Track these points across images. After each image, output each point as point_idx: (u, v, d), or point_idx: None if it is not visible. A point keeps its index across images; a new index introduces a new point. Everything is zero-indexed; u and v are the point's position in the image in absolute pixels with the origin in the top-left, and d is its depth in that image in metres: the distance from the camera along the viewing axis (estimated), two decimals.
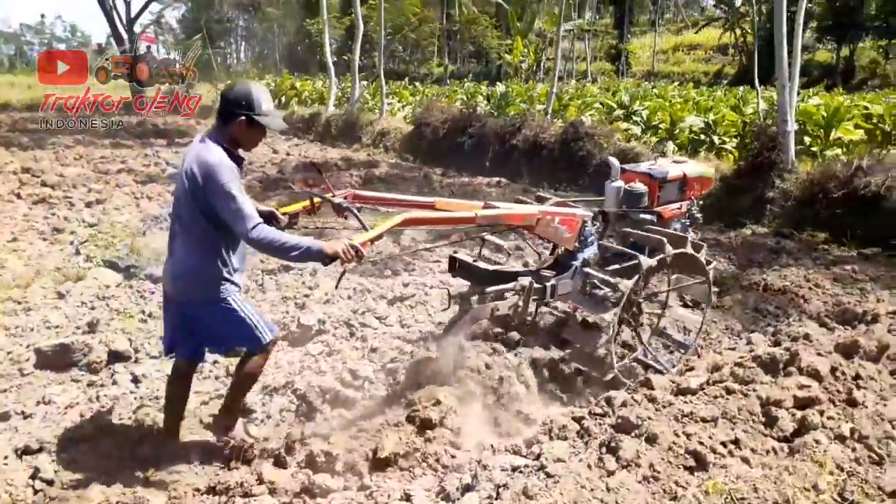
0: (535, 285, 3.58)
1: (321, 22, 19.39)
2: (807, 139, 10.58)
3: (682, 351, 4.48)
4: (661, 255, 3.75)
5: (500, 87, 16.93)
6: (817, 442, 2.75)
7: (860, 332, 4.44)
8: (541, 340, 4.47)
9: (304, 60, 43.00)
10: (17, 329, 4.88)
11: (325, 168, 12.54)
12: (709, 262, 4.35)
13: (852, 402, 3.16)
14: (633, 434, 2.90)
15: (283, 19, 45.39)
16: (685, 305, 5.47)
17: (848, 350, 3.71)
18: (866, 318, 5.28)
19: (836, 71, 34.36)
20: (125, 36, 23.38)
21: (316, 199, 3.28)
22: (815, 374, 3.29)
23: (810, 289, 6.19)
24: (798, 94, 9.43)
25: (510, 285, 3.52)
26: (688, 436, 2.81)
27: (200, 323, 3.11)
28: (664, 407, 3.18)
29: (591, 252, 3.94)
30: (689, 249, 3.90)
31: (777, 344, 4.57)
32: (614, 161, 4.22)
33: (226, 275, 3.02)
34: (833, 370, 3.38)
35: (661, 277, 4.54)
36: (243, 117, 2.86)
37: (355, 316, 5.25)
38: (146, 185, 10.46)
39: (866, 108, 10.84)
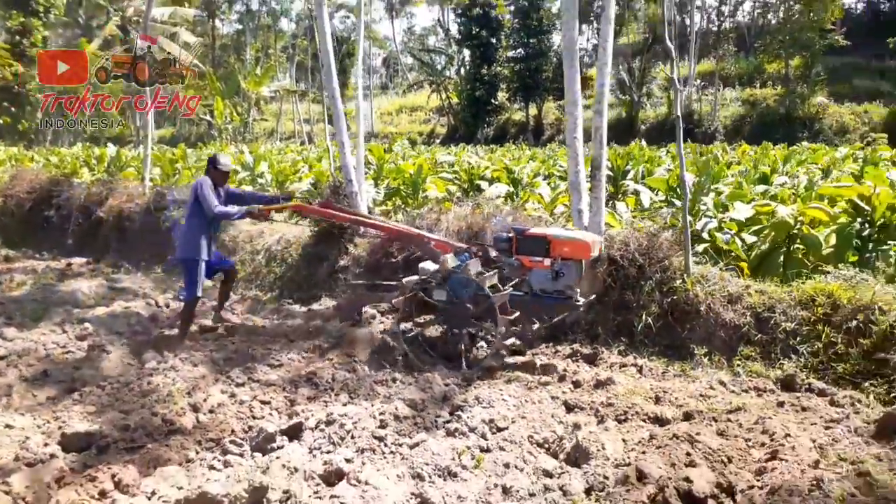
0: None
1: None
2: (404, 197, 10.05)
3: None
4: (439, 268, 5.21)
5: (110, 149, 14.74)
6: None
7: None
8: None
9: None
10: None
11: None
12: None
13: None
14: None
15: None
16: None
17: None
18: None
19: (528, 128, 37.59)
20: None
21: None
22: None
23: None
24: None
25: (413, 278, 5.48)
26: None
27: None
28: None
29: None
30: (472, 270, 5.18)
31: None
32: (497, 220, 6.31)
33: (202, 240, 5.90)
34: None
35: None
36: (211, 165, 6.04)
37: None
38: None
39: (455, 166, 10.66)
